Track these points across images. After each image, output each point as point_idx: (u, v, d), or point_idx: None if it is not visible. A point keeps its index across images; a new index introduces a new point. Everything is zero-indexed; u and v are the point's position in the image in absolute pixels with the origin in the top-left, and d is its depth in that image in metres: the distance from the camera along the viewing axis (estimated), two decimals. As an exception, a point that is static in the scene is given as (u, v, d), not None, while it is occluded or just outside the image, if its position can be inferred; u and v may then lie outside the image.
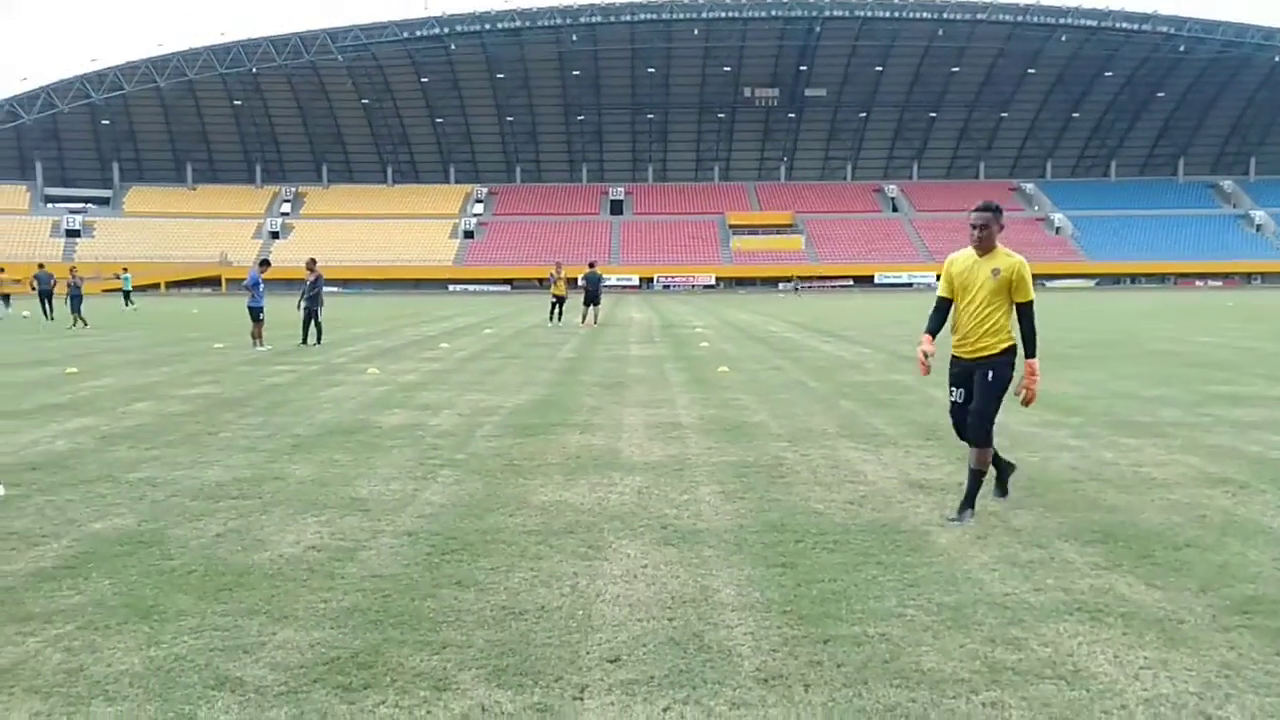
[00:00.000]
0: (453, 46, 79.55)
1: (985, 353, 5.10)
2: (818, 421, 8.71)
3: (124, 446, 7.72)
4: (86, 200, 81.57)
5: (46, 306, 28.36)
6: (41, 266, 31.42)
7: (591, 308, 25.01)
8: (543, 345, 18.53)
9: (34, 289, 28.87)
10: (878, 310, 34.57)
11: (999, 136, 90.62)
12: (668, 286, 74.24)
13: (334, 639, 3.62)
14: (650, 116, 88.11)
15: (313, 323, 18.20)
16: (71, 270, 26.89)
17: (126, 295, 37.23)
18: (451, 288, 72.80)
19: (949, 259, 5.40)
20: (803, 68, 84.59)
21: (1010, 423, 7.51)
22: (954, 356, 5.29)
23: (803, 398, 10.41)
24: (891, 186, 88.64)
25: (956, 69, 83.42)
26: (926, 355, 5.27)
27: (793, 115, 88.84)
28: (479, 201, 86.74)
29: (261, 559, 4.65)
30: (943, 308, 5.34)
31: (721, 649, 3.50)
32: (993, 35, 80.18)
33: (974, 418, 5.15)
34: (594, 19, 77.66)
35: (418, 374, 13.18)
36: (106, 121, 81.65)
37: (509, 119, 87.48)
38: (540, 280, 66.52)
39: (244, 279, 19.17)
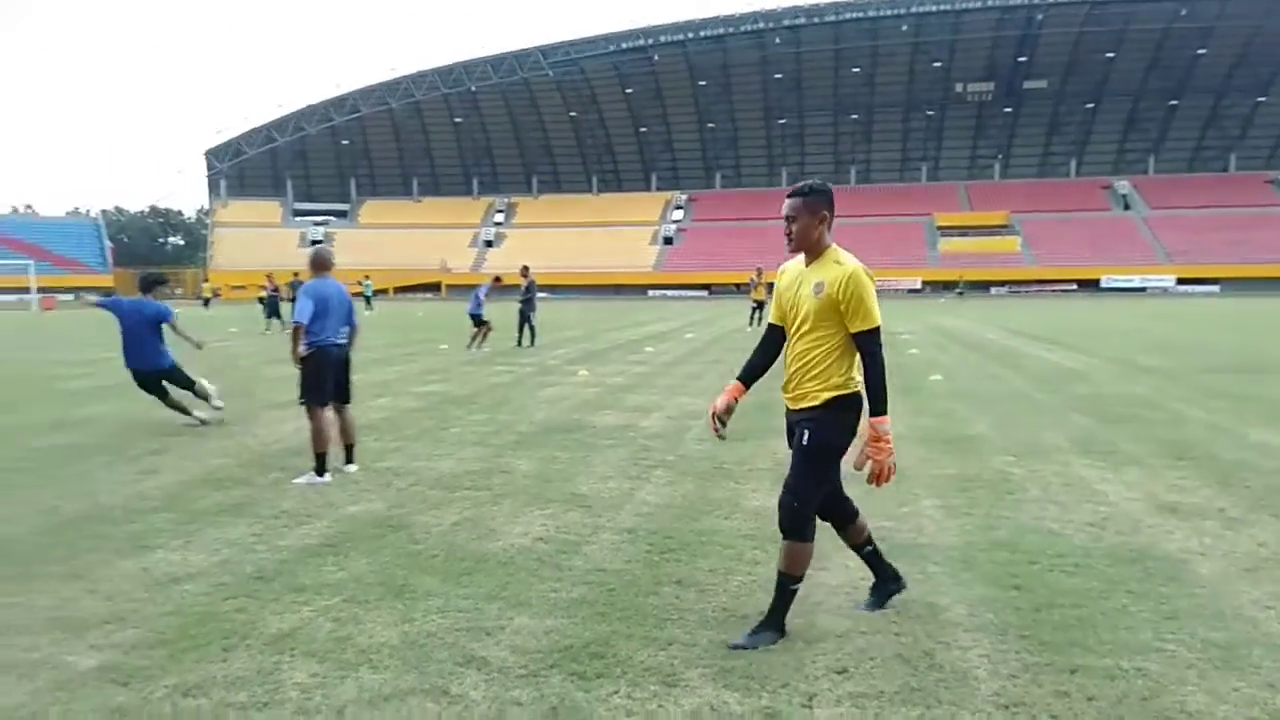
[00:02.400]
0: (656, 57, 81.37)
1: (805, 404, 3.59)
2: (1046, 436, 8.15)
3: (370, 438, 8.44)
4: (328, 213, 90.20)
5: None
6: (296, 275, 35.20)
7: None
8: (743, 350, 18.43)
9: (291, 296, 32.58)
10: (1105, 316, 31.86)
11: (1254, 124, 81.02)
12: (869, 291, 72.00)
13: (565, 628, 3.79)
14: (854, 117, 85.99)
15: (526, 326, 19.23)
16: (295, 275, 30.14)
17: (368, 300, 40.83)
18: (651, 293, 74.33)
19: (780, 268, 3.86)
20: (1021, 59, 79.54)
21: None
22: (786, 408, 3.78)
23: (1027, 409, 9.77)
24: (1123, 182, 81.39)
25: (1202, 51, 75.47)
26: (716, 415, 3.76)
27: (1009, 109, 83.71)
28: (678, 208, 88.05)
29: (495, 548, 4.95)
30: (771, 339, 3.82)
31: (955, 670, 3.36)
32: (1247, 11, 71.86)
33: (782, 494, 3.64)
34: (798, 20, 76.87)
35: (625, 376, 13.56)
36: (346, 142, 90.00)
37: (709, 125, 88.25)
38: (737, 285, 66.52)
39: (477, 286, 20.57)
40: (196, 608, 4.06)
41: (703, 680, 3.30)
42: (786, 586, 3.64)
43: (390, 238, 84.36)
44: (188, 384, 9.40)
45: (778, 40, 78.93)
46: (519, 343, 19.18)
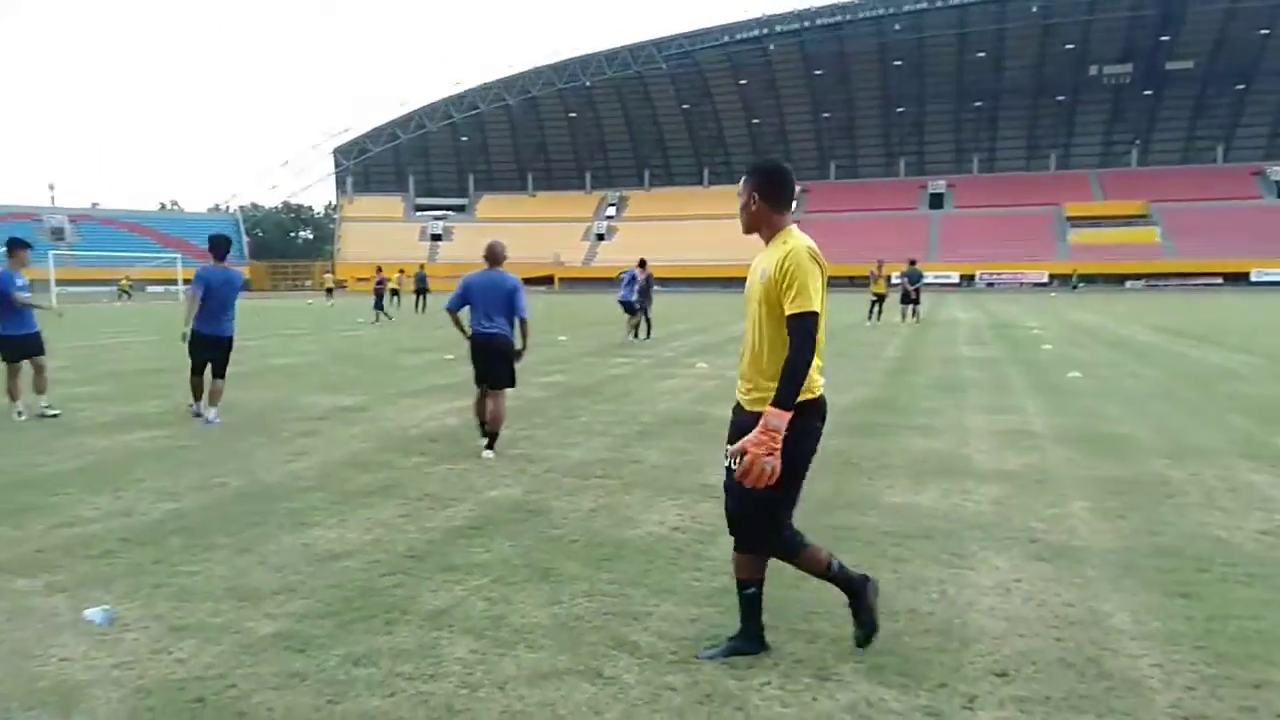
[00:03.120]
0: (771, 47, 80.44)
1: (758, 404, 3.22)
2: (1202, 437, 7.67)
3: (512, 427, 8.69)
4: (447, 208, 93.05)
5: (420, 302, 33.17)
6: (422, 267, 36.79)
7: (911, 306, 24.28)
8: (865, 344, 18.13)
9: (415, 288, 34.11)
10: (1257, 311, 29.70)
11: None
12: (991, 284, 69.33)
13: (711, 617, 3.81)
14: (978, 104, 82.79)
15: (643, 318, 19.41)
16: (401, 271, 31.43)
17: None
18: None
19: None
20: (1164, 38, 74.81)
21: None
22: (738, 405, 3.41)
23: (1177, 409, 9.22)
24: (1276, 168, 75.63)
25: (1370, 23, 69.23)
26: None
27: (1149, 92, 78.90)
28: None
29: (633, 535, 5.02)
30: None
31: (1125, 679, 3.21)
32: None
33: (729, 499, 3.37)
34: (920, 5, 74.53)
35: (745, 369, 13.47)
36: (465, 138, 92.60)
37: (824, 115, 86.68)
38: (850, 278, 65.23)
39: (619, 276, 20.74)
40: (357, 582, 4.27)
41: (856, 675, 3.26)
42: (746, 591, 3.44)
43: (506, 231, 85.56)
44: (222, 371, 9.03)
45: (897, 27, 76.72)
46: (634, 335, 19.34)
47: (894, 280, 25.55)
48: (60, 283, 46.90)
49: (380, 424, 8.87)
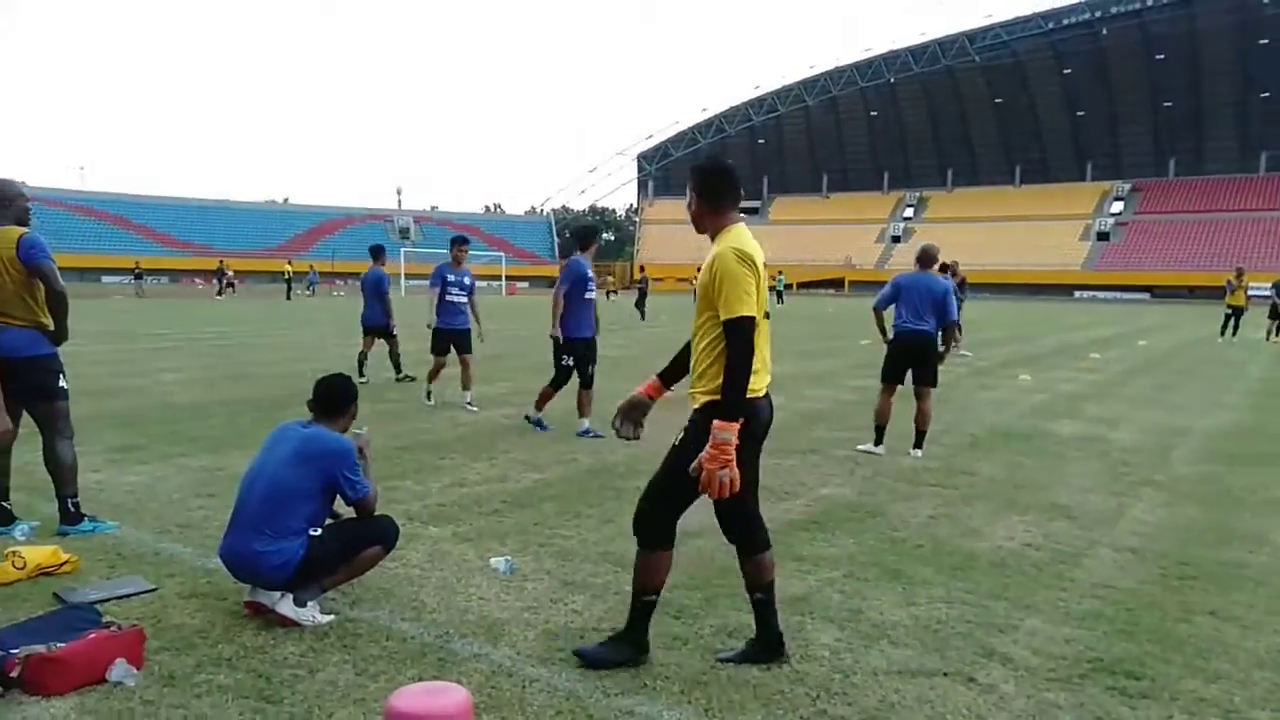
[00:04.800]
0: (1104, 30, 73.09)
1: (695, 405, 3.20)
2: None
3: (820, 426, 8.78)
4: (741, 211, 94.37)
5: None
6: (642, 269, 38.73)
7: (1274, 322, 21.07)
8: (1219, 362, 16.02)
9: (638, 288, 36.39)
10: None
11: None
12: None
13: (1086, 639, 3.63)
14: (1370, 85, 69.61)
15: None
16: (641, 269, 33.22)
17: (779, 295, 42.51)
18: (1077, 294, 67.30)
19: None
20: None
21: None
22: None
23: None
24: None
25: None
26: (621, 410, 3.49)
27: None
28: (1118, 199, 78.39)
29: (982, 547, 4.88)
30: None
31: None
32: None
33: (647, 488, 3.34)
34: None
35: (1076, 384, 12.47)
36: (762, 141, 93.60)
37: (1165, 105, 77.18)
38: (1191, 288, 57.73)
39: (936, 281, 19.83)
40: (716, 561, 4.53)
41: (1273, 724, 2.96)
42: (638, 597, 3.32)
43: (798, 234, 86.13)
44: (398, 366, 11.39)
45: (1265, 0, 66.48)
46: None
47: (1258, 292, 22.26)
48: (407, 276, 53.88)
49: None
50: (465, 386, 9.36)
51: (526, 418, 8.38)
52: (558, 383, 8.17)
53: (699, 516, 3.44)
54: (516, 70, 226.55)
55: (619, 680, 3.18)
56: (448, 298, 9.34)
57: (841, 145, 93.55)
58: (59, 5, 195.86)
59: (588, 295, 8.08)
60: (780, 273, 45.71)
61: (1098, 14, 71.78)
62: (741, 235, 3.20)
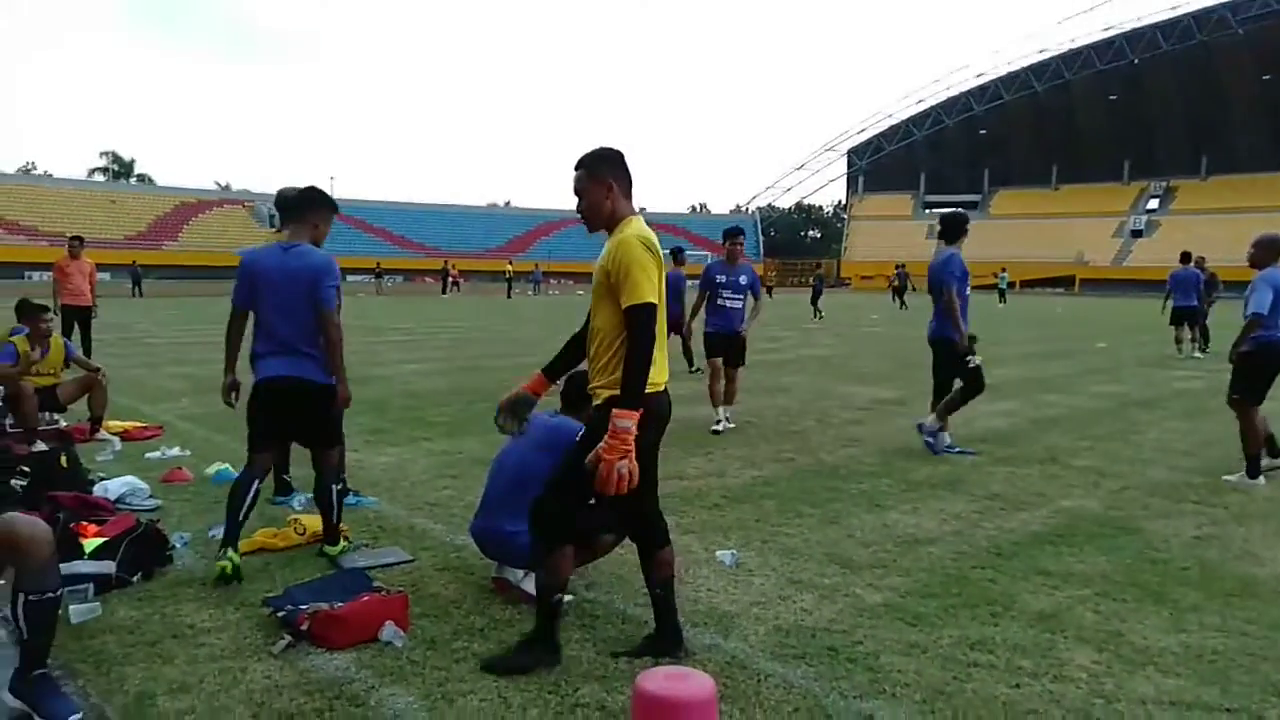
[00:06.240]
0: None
1: (596, 402, 3.14)
2: None
3: (1055, 432, 8.17)
4: (957, 205, 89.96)
5: (900, 300, 35.11)
6: (900, 266, 37.53)
7: None
8: None
9: (891, 285, 35.31)
10: None
11: None
12: None
13: (1405, 689, 3.14)
14: None
15: (1196, 327, 16.30)
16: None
17: (1001, 293, 40.07)
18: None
19: None
20: None
21: None
22: None
23: None
24: None
25: None
26: (502, 407, 3.46)
27: None
28: None
29: (1262, 574, 4.36)
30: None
31: None
32: None
33: (546, 485, 3.24)
34: None
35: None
36: (983, 131, 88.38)
37: None
38: None
39: (1172, 271, 17.19)
40: (949, 570, 4.35)
41: None
42: (544, 599, 3.20)
43: (1022, 228, 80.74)
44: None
45: None
46: (1195, 346, 16.40)
47: None
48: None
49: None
50: (725, 401, 8.07)
51: (919, 429, 7.29)
52: (971, 391, 7.14)
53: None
54: (724, 68, 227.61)
55: (856, 683, 3.11)
56: (719, 301, 7.98)
57: (1074, 132, 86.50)
58: (314, 40, 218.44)
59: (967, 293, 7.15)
60: (1003, 269, 42.92)
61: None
62: (642, 226, 3.12)
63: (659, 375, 3.07)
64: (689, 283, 12.37)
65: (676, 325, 12.06)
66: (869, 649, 3.41)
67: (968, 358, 7.06)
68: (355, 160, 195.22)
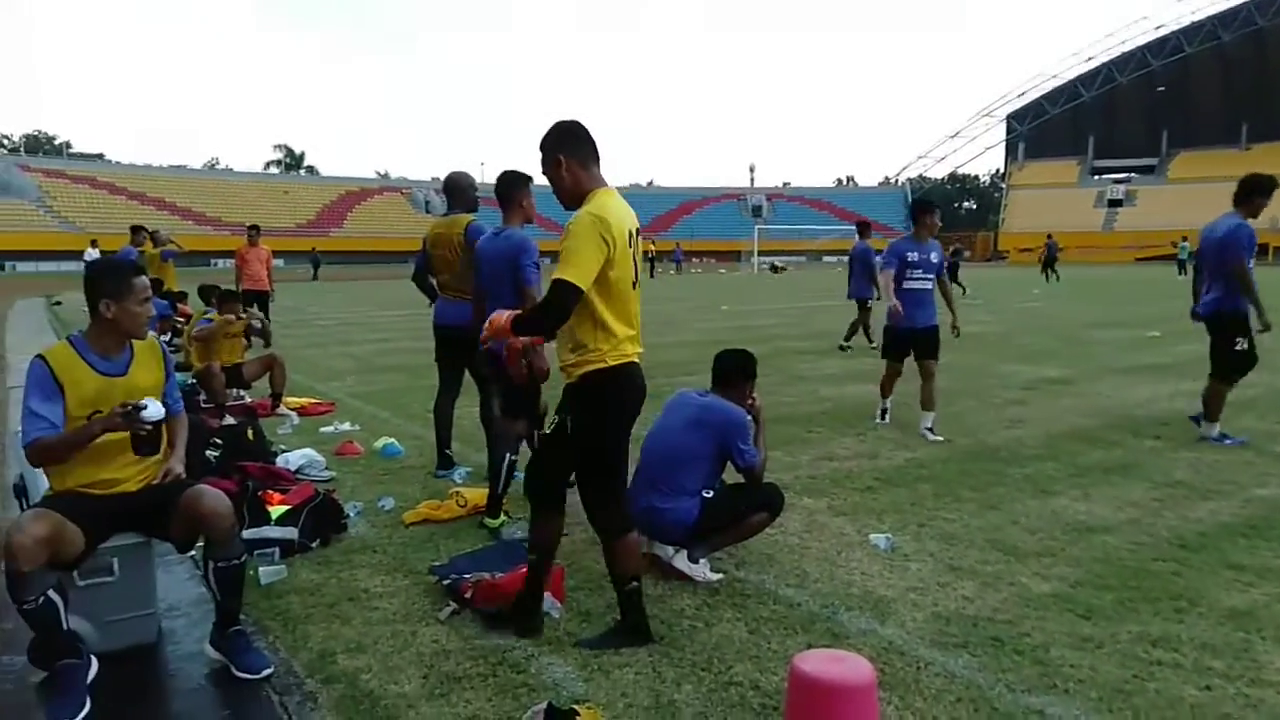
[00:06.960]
0: None
1: (569, 381, 3.09)
2: None
3: (1249, 415, 7.47)
4: (1130, 170, 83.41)
5: (1049, 272, 33.54)
6: (1050, 237, 35.55)
7: None
8: None
9: (1041, 258, 34.89)
10: None
11: None
12: None
13: None
14: None
15: None
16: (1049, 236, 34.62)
17: (1181, 265, 37.03)
18: None
19: None
20: None
21: None
22: None
23: None
24: None
25: None
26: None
27: None
28: None
29: None
30: None
31: None
32: None
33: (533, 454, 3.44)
34: None
35: None
36: (1161, 89, 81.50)
37: None
38: None
39: None
40: (1125, 560, 4.07)
41: None
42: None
43: (1206, 193, 73.75)
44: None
45: None
46: None
47: None
48: (762, 253, 54.89)
49: (1093, 400, 8.36)
50: (925, 406, 6.88)
51: (1195, 422, 6.80)
52: (1239, 369, 6.56)
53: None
54: (871, 34, 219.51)
55: (1024, 676, 2.96)
56: (906, 283, 6.91)
57: (1267, 85, 78.40)
58: (456, 32, 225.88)
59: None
60: (1184, 239, 39.47)
61: None
62: (606, 203, 2.98)
63: (630, 348, 3.07)
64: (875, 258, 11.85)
65: (863, 301, 12.35)
66: (1037, 641, 3.24)
67: (1237, 339, 6.44)
68: (501, 145, 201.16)
